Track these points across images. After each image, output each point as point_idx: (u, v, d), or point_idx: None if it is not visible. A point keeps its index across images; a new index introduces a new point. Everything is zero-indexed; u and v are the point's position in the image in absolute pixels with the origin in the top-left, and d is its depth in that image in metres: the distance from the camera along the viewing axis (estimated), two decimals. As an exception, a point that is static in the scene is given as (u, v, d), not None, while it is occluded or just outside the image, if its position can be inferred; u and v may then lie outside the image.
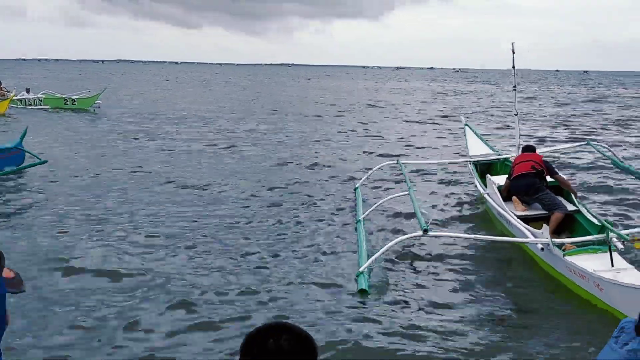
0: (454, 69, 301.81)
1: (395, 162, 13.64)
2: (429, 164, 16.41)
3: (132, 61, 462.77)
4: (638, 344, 4.46)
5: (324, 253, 9.56)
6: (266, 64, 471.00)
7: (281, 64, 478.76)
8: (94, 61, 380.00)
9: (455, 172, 16.36)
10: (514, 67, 12.25)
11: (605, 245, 7.92)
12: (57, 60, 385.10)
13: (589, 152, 17.89)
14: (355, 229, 10.75)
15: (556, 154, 17.81)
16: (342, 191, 14.20)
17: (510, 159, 13.29)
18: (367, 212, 11.29)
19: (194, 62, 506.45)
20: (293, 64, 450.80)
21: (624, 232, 8.26)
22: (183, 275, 8.37)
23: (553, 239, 8.14)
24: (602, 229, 8.35)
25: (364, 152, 20.73)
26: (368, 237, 10.04)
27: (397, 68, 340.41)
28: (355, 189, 13.68)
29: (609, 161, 13.50)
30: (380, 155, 19.61)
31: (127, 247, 9.52)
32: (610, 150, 12.79)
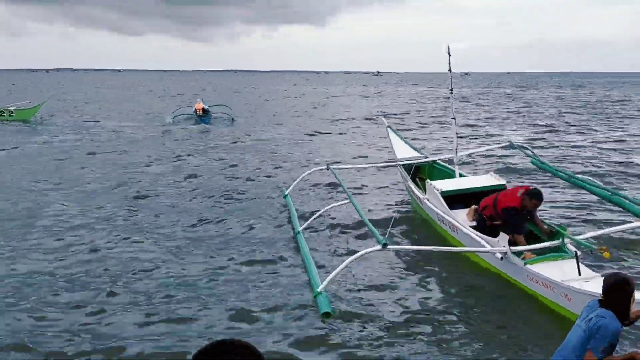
0: (371, 72, 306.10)
1: (326, 167, 13.28)
2: (358, 168, 16.36)
3: (74, 69, 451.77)
4: (596, 314, 4.55)
5: (265, 271, 9.01)
6: (210, 71, 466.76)
7: (226, 70, 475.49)
8: (32, 70, 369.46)
9: (381, 175, 16.37)
10: (450, 70, 12.13)
11: (563, 252, 7.86)
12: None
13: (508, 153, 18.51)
14: (295, 242, 10.34)
15: (480, 155, 18.20)
16: (271, 198, 13.84)
17: (438, 161, 13.31)
18: (305, 224, 10.91)
19: (137, 70, 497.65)
20: (239, 70, 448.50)
21: (579, 237, 8.14)
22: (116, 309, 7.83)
23: (511, 247, 8.00)
24: (555, 234, 8.26)
25: (290, 156, 20.63)
26: (313, 252, 9.62)
27: (346, 73, 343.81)
28: (285, 197, 13.28)
29: (528, 160, 13.73)
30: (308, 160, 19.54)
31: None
32: (531, 150, 13.00)
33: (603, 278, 4.86)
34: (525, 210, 8.37)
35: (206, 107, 34.09)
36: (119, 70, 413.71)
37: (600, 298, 4.73)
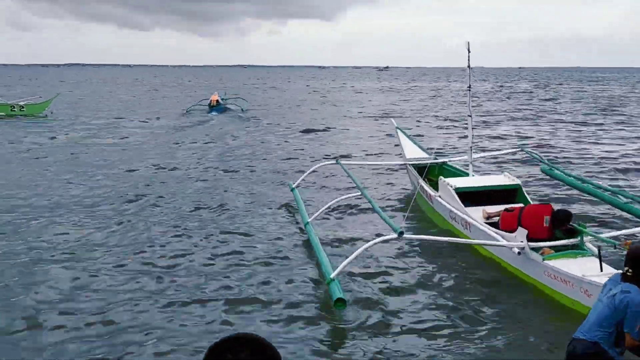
0: (378, 67, 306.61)
1: (335, 161, 13.20)
2: (368, 164, 16.15)
3: (83, 64, 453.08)
4: (620, 290, 4.39)
5: (274, 261, 8.98)
6: (220, 66, 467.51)
7: (235, 66, 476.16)
8: (43, 65, 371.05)
9: (389, 175, 16.26)
10: (469, 66, 11.85)
11: (582, 249, 7.73)
12: (4, 65, 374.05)
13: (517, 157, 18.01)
14: (304, 233, 10.28)
15: (490, 159, 18.03)
16: (278, 192, 13.85)
17: (448, 162, 13.12)
18: (315, 215, 10.81)
19: (147, 65, 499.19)
20: (249, 65, 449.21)
21: (602, 235, 7.99)
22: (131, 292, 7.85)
23: (528, 243, 7.85)
24: (574, 232, 8.11)
25: (299, 151, 20.72)
26: (323, 242, 9.51)
27: (355, 67, 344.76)
28: (292, 190, 13.17)
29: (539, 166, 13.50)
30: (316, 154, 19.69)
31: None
32: (540, 157, 12.80)
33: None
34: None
35: (220, 99, 37.45)
36: (130, 66, 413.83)
37: (623, 271, 4.55)
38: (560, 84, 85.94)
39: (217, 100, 36.88)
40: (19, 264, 8.89)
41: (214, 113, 34.79)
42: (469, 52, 11.56)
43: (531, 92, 65.34)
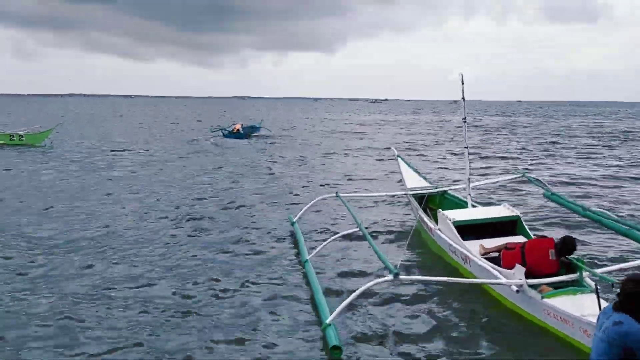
0: (367, 99, 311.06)
1: (335, 195, 13.06)
2: (368, 196, 16.06)
3: (86, 95, 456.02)
4: (611, 322, 4.25)
5: (271, 301, 8.74)
6: (220, 97, 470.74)
7: (234, 97, 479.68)
8: (46, 96, 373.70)
9: (391, 205, 16.17)
10: (463, 98, 11.85)
11: (582, 285, 7.59)
12: (7, 95, 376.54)
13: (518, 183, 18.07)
14: (302, 270, 10.10)
15: (492, 187, 17.97)
16: (278, 225, 13.64)
17: (449, 191, 13.06)
18: (314, 252, 10.61)
19: (148, 96, 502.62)
20: (247, 97, 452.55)
21: (598, 270, 7.87)
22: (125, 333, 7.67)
23: (527, 280, 7.70)
24: (573, 267, 7.96)
25: (300, 184, 20.61)
26: (321, 281, 9.30)
27: (354, 100, 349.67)
28: (292, 224, 13.05)
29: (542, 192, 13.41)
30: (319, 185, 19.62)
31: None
32: (543, 183, 12.75)
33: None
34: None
35: (242, 128, 41.94)
36: (131, 96, 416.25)
37: (615, 301, 4.40)
38: (565, 116, 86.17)
39: (239, 129, 41.29)
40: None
41: (232, 139, 38.83)
42: (463, 84, 11.59)
43: (535, 125, 65.54)
